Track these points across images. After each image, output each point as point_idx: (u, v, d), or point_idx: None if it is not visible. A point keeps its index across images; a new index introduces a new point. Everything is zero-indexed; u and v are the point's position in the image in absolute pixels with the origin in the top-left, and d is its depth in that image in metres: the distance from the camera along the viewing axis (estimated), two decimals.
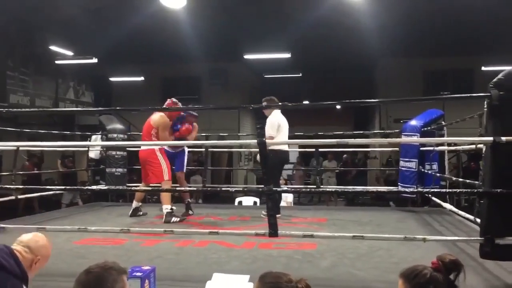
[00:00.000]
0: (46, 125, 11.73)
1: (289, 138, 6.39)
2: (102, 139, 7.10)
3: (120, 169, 7.08)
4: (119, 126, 7.30)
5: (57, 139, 7.64)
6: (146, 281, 2.57)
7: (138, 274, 2.55)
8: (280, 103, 5.74)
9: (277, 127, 5.61)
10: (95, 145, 7.06)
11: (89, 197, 8.84)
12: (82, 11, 9.47)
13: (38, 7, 9.27)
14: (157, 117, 5.75)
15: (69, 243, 4.29)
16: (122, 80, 15.91)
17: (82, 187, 7.62)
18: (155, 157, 5.59)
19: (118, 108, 6.10)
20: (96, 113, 9.35)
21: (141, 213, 6.01)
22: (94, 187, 7.05)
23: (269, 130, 5.50)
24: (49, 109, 12.13)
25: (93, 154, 7.35)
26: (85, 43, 11.51)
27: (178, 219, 5.47)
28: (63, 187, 7.76)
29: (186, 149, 6.29)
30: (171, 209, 5.50)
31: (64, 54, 12.53)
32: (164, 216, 5.45)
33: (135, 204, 5.96)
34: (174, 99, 5.89)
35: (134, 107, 8.41)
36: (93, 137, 7.42)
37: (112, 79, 15.97)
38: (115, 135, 7.07)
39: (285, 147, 5.69)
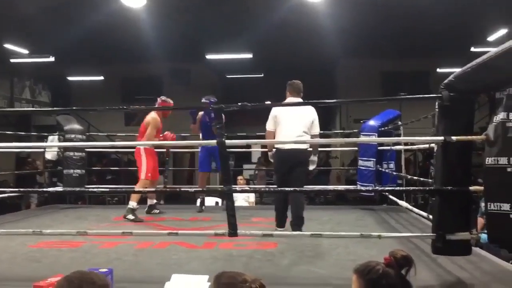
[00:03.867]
0: (0, 125, 11.34)
1: (250, 138, 6.31)
2: (60, 140, 6.92)
3: (78, 170, 6.93)
4: (77, 126, 7.13)
5: (13, 140, 7.42)
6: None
7: None
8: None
9: (273, 119, 4.77)
10: (51, 146, 6.89)
11: (45, 199, 8.61)
12: (38, 8, 9.19)
13: None
14: (148, 117, 5.91)
15: (24, 247, 4.18)
16: (80, 79, 15.55)
17: (38, 189, 7.41)
18: (138, 156, 5.83)
19: (76, 108, 5.96)
20: (53, 114, 9.11)
21: (157, 211, 6.14)
22: (51, 189, 6.87)
23: (266, 124, 4.86)
24: (5, 110, 11.72)
25: (50, 155, 7.15)
26: (42, 41, 11.18)
27: (133, 217, 5.53)
28: (17, 189, 7.52)
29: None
30: (135, 207, 5.61)
31: (20, 53, 12.13)
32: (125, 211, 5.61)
33: (149, 201, 6.12)
34: (163, 98, 6.07)
35: (94, 107, 8.26)
36: (50, 137, 7.22)
37: (70, 78, 15.58)
38: (73, 136, 6.91)
39: (285, 145, 4.70)
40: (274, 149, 4.84)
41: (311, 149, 4.88)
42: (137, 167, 5.87)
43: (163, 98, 6.07)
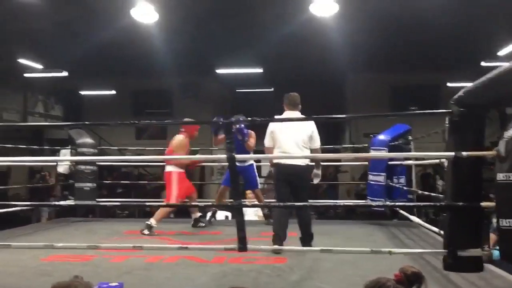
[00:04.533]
0: (13, 139, 11.47)
1: (260, 153, 6.22)
2: (72, 154, 7.00)
3: (89, 184, 6.98)
4: (89, 140, 7.20)
5: (26, 154, 7.50)
6: None
7: None
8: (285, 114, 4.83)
9: (270, 135, 4.70)
10: (67, 160, 6.95)
11: (57, 212, 8.66)
12: (52, 23, 9.36)
13: (6, 19, 9.12)
14: (175, 140, 5.93)
15: (36, 260, 4.20)
16: (92, 93, 15.73)
17: (50, 203, 7.46)
18: (169, 181, 5.83)
19: (89, 123, 6.03)
20: (65, 127, 9.22)
21: (203, 224, 6.15)
22: (62, 202, 6.92)
23: (264, 140, 4.80)
24: (20, 124, 11.89)
25: (62, 168, 7.22)
26: (55, 56, 11.35)
27: (148, 233, 5.56)
28: (29, 203, 7.58)
29: (254, 163, 6.25)
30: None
31: (33, 67, 12.33)
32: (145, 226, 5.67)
33: (194, 215, 6.17)
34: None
35: (105, 121, 8.38)
36: (62, 151, 7.30)
37: (82, 92, 15.77)
38: (85, 150, 6.98)
39: (286, 160, 4.62)
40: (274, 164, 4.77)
41: (312, 163, 4.82)
42: (166, 188, 5.92)
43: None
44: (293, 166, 4.56)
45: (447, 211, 3.13)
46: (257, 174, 6.20)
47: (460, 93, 3.13)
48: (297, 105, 4.77)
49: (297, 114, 4.75)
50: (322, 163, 9.50)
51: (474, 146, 3.09)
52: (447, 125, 3.23)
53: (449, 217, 3.11)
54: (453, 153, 3.09)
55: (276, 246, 4.09)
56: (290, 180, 4.59)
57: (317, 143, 4.68)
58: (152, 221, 5.66)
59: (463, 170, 3.09)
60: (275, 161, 4.70)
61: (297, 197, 4.57)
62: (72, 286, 1.82)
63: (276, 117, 4.72)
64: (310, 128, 4.64)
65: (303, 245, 4.51)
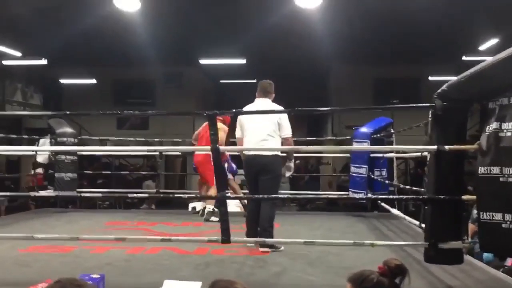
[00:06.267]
0: None
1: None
2: (51, 143, 6.88)
3: (70, 174, 6.88)
4: (69, 129, 7.09)
5: (4, 143, 7.35)
6: None
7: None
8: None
9: (239, 126, 4.53)
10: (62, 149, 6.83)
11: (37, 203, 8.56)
12: (31, 10, 9.14)
13: None
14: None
15: (14, 251, 4.14)
16: (72, 82, 15.46)
17: (30, 193, 7.35)
18: (209, 163, 5.39)
19: (70, 112, 5.90)
20: (44, 117, 9.06)
21: (216, 219, 5.68)
22: (42, 192, 6.82)
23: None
24: (0, 113, 11.59)
25: (41, 158, 7.11)
26: (35, 43, 11.11)
27: (218, 219, 5.36)
28: (9, 193, 7.47)
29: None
30: (213, 209, 5.75)
31: (12, 55, 12.05)
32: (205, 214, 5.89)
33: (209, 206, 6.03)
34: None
35: (86, 110, 8.24)
36: (41, 140, 7.16)
37: (62, 81, 15.49)
38: (65, 139, 6.86)
39: (249, 151, 4.42)
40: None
41: (284, 154, 4.60)
42: (203, 173, 6.01)
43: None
44: (257, 156, 4.34)
45: (428, 204, 3.16)
46: (229, 165, 6.34)
47: (444, 87, 3.15)
48: (267, 92, 4.54)
49: (267, 101, 4.51)
50: (303, 154, 9.39)
51: (456, 139, 3.12)
52: (430, 118, 3.25)
53: (430, 210, 3.14)
54: (435, 147, 3.12)
55: (258, 239, 4.08)
56: (255, 171, 4.36)
57: (286, 131, 4.37)
58: (209, 206, 5.86)
59: (445, 164, 3.11)
60: (245, 152, 4.48)
61: (261, 188, 4.29)
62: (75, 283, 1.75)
63: (246, 106, 4.57)
64: (277, 115, 4.35)
65: (260, 243, 4.22)
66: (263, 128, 4.33)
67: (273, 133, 4.33)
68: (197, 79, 15.08)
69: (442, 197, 3.06)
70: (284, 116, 4.38)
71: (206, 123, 5.92)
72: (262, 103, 4.50)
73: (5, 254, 4.07)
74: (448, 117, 3.12)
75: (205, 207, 6.16)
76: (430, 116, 3.24)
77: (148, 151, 8.63)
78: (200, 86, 15.37)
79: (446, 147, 3.05)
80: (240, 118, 4.47)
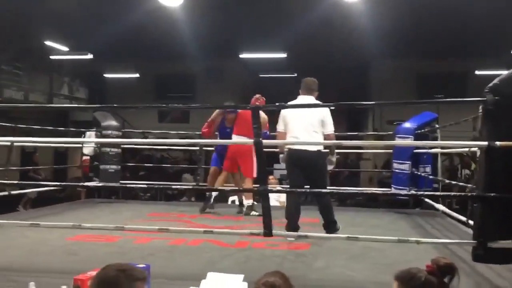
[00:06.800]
0: (39, 121, 11.66)
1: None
2: (97, 136, 7.07)
3: (114, 166, 7.05)
4: (113, 122, 7.27)
5: (51, 135, 7.60)
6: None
7: None
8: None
9: (282, 120, 4.60)
10: (89, 142, 7.03)
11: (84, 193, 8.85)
12: (78, 6, 9.42)
13: (33, 1, 9.20)
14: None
15: (61, 240, 4.28)
16: (116, 76, 15.84)
17: (77, 184, 7.58)
18: (250, 154, 5.59)
19: (116, 105, 6.03)
20: (90, 110, 9.32)
21: (257, 213, 5.68)
22: (88, 183, 7.02)
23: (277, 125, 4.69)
24: (49, 106, 12.05)
25: (87, 150, 7.31)
26: (81, 39, 11.45)
27: (257, 212, 5.43)
28: (58, 183, 7.72)
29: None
30: (253, 203, 5.85)
31: (59, 50, 12.46)
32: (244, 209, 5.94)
33: (246, 201, 6.01)
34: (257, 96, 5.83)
35: (128, 104, 8.42)
36: (88, 133, 7.38)
37: (106, 75, 15.89)
38: (109, 132, 7.04)
39: (297, 146, 4.52)
40: (285, 150, 4.67)
41: (327, 150, 4.73)
42: (243, 165, 5.91)
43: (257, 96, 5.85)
44: (302, 151, 4.46)
45: (478, 202, 3.06)
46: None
47: (496, 81, 3.04)
48: (311, 90, 4.64)
49: (311, 99, 4.61)
50: (343, 150, 9.33)
51: (507, 136, 3.00)
52: (480, 113, 3.14)
53: (480, 208, 3.04)
54: (486, 143, 3.01)
55: (301, 233, 4.07)
56: (301, 166, 4.49)
57: (329, 128, 4.53)
58: (248, 201, 5.89)
59: (496, 160, 3.00)
60: (288, 146, 4.57)
61: (312, 183, 4.50)
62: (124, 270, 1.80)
63: (290, 102, 4.59)
64: (321, 113, 4.49)
65: (327, 232, 4.48)
66: (308, 125, 4.46)
67: (318, 129, 4.47)
68: (237, 73, 15.15)
69: (492, 194, 2.95)
70: (328, 114, 4.51)
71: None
72: (306, 100, 4.59)
73: (55, 242, 4.21)
74: (499, 112, 3.01)
75: (242, 201, 6.13)
76: (480, 111, 3.13)
77: (188, 144, 8.76)
78: (240, 80, 15.43)
79: (497, 143, 2.94)
80: (284, 113, 4.55)
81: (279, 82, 14.98)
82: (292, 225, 4.44)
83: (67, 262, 3.59)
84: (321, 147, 4.56)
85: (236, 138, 5.82)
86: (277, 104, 3.87)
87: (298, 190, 4.47)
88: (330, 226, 4.53)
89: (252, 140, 3.41)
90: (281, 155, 4.83)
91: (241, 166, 6.00)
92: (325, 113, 4.50)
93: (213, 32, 10.90)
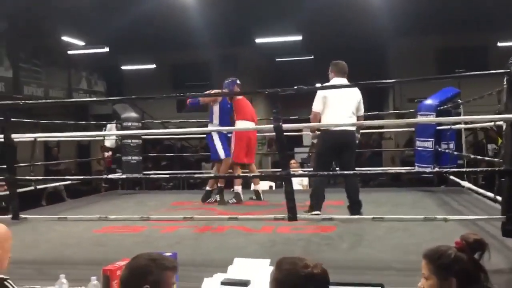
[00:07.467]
0: (60, 115, 11.82)
1: (302, 121, 6.09)
2: (117, 128, 7.13)
3: (135, 157, 7.12)
4: (133, 114, 7.31)
5: (72, 130, 7.70)
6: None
7: None
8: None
9: (322, 100, 4.58)
10: (111, 134, 7.10)
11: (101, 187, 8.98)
12: (92, 0, 9.45)
13: None
14: None
15: (88, 232, 4.35)
16: (133, 68, 15.93)
17: (101, 176, 7.68)
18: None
19: (134, 97, 6.03)
20: (109, 102, 9.39)
21: (254, 197, 6.03)
22: (112, 175, 7.11)
23: (313, 105, 4.68)
24: (69, 100, 12.17)
25: (109, 143, 7.40)
26: (96, 32, 11.50)
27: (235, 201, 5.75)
28: (82, 177, 7.84)
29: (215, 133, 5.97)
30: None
31: (76, 44, 12.56)
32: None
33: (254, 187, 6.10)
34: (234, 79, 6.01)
35: (146, 95, 8.46)
36: (108, 126, 7.45)
37: (123, 67, 15.99)
38: (129, 124, 7.09)
39: (335, 127, 4.56)
40: (318, 131, 4.74)
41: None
42: (253, 150, 6.06)
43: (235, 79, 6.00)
44: (345, 132, 4.55)
45: (506, 176, 2.99)
46: (220, 144, 5.79)
47: None
48: (345, 73, 4.72)
49: (345, 81, 4.69)
50: (364, 130, 9.39)
51: None
52: (505, 86, 3.06)
53: (508, 182, 2.98)
54: (511, 116, 2.93)
55: (327, 215, 4.06)
56: (339, 147, 4.56)
57: (362, 111, 4.71)
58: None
59: None
60: (323, 127, 4.63)
61: (346, 164, 4.58)
62: (154, 259, 1.82)
63: (326, 84, 4.71)
64: (359, 95, 4.66)
65: (352, 214, 4.47)
66: (350, 106, 4.60)
67: (355, 111, 4.63)
68: (253, 59, 15.06)
69: None
70: (361, 97, 4.67)
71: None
72: (344, 83, 4.67)
73: (82, 234, 4.28)
74: None
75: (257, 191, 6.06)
76: (505, 83, 3.05)
77: (206, 132, 8.75)
78: (256, 66, 15.35)
79: None
80: (327, 94, 4.57)
81: (296, 65, 14.87)
82: (317, 207, 4.52)
83: (95, 253, 3.65)
84: (354, 128, 4.69)
85: (244, 124, 5.75)
86: (304, 87, 3.77)
87: (331, 172, 4.67)
88: (355, 207, 4.55)
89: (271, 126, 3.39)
90: (311, 134, 4.97)
91: (252, 153, 5.97)
92: (361, 97, 4.67)
93: (227, 18, 10.83)
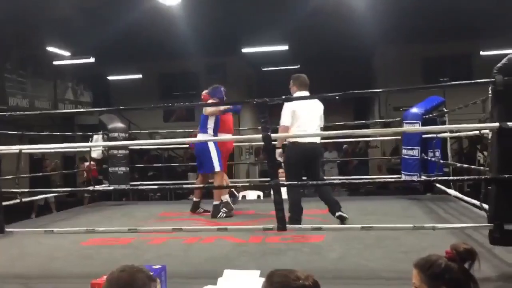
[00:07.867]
0: (45, 127, 11.72)
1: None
2: (104, 139, 7.08)
3: (122, 168, 7.07)
4: (120, 125, 7.28)
5: (58, 141, 7.62)
6: (158, 280, 2.57)
7: None
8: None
9: (291, 114, 4.60)
10: (98, 145, 7.05)
11: (92, 197, 8.87)
12: (77, 10, 9.41)
13: (33, 8, 9.21)
14: None
15: (76, 244, 4.29)
16: (119, 78, 15.87)
17: (88, 188, 7.61)
18: None
19: (122, 107, 5.93)
20: (96, 113, 9.33)
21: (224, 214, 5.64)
22: (98, 187, 7.04)
23: (281, 119, 4.68)
24: (54, 112, 12.10)
25: (96, 154, 7.33)
26: (82, 42, 11.45)
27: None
28: (69, 189, 7.76)
29: (210, 143, 5.74)
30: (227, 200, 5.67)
31: (61, 55, 12.48)
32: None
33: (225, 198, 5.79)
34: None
35: (133, 105, 8.43)
36: (95, 137, 7.39)
37: (110, 78, 15.92)
38: (116, 134, 7.05)
39: (305, 139, 4.62)
40: (286, 143, 4.82)
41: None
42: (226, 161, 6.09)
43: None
44: (313, 144, 4.71)
45: (492, 184, 3.03)
46: (216, 155, 5.55)
47: (504, 61, 3.00)
48: (307, 85, 4.81)
49: (308, 94, 4.80)
50: (351, 139, 9.46)
51: None
52: (490, 95, 3.10)
53: (494, 190, 3.01)
54: (497, 124, 2.97)
55: (316, 225, 4.05)
56: (308, 159, 4.67)
57: (323, 123, 4.91)
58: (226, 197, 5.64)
59: (508, 141, 2.97)
60: (294, 139, 4.65)
61: (313, 175, 4.72)
62: (139, 270, 1.81)
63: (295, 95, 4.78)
64: (322, 107, 4.85)
65: (333, 212, 4.68)
66: (317, 119, 4.76)
67: (320, 123, 4.83)
68: (240, 68, 15.12)
69: (507, 176, 2.92)
70: (323, 108, 4.88)
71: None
72: (307, 95, 4.79)
73: (70, 247, 4.22)
74: (509, 92, 2.97)
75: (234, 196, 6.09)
76: (490, 92, 3.09)
77: (193, 142, 8.71)
78: (243, 75, 15.40)
79: (509, 123, 2.91)
80: (295, 107, 4.60)
81: (282, 74, 14.92)
82: (296, 219, 4.50)
83: (83, 267, 3.60)
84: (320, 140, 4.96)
85: (223, 136, 5.81)
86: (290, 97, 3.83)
87: (310, 182, 4.69)
88: (335, 207, 4.70)
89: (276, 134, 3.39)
90: (279, 150, 4.77)
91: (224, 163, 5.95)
92: (322, 108, 4.86)
93: (213, 28, 10.86)
